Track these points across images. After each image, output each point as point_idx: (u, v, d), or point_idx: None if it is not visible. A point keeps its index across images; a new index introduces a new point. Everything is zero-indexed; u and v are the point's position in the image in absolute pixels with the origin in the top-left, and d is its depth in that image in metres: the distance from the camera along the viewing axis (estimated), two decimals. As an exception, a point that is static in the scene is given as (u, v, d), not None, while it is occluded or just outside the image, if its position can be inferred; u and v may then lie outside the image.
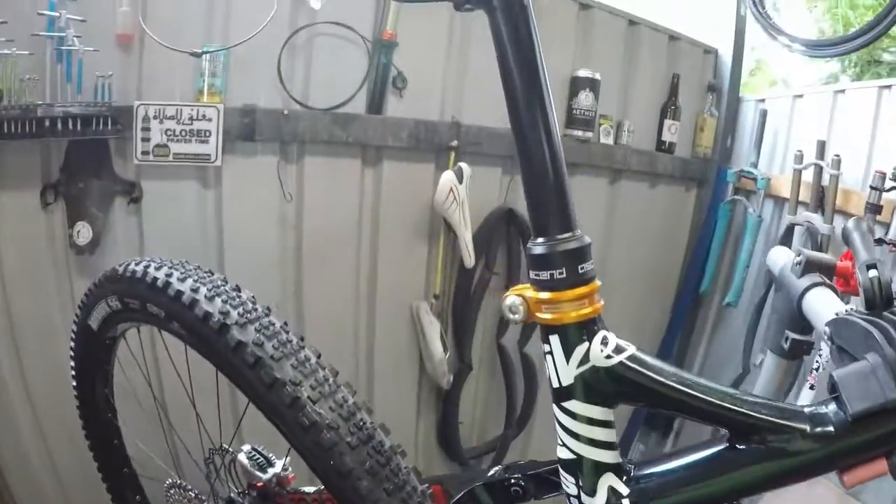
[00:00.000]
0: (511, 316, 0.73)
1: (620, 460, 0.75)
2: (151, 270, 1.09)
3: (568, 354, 0.72)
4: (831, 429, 0.66)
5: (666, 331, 3.41)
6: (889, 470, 0.66)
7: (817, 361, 2.29)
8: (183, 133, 1.97)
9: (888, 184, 2.43)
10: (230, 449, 1.24)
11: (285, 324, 1.04)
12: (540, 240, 0.70)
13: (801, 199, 2.81)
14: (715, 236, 3.24)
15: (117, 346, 1.33)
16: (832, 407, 0.69)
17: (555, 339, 0.72)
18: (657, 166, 3.08)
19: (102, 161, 1.93)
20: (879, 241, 2.49)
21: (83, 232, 1.89)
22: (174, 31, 1.91)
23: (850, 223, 1.13)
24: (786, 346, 1.32)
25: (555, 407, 0.75)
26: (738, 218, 3.21)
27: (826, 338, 0.86)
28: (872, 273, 0.82)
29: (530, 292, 0.72)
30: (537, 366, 2.90)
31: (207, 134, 1.99)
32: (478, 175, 2.45)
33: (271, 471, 1.21)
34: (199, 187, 2.10)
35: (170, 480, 1.35)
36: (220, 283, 1.08)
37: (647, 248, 3.16)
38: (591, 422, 0.73)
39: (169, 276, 1.06)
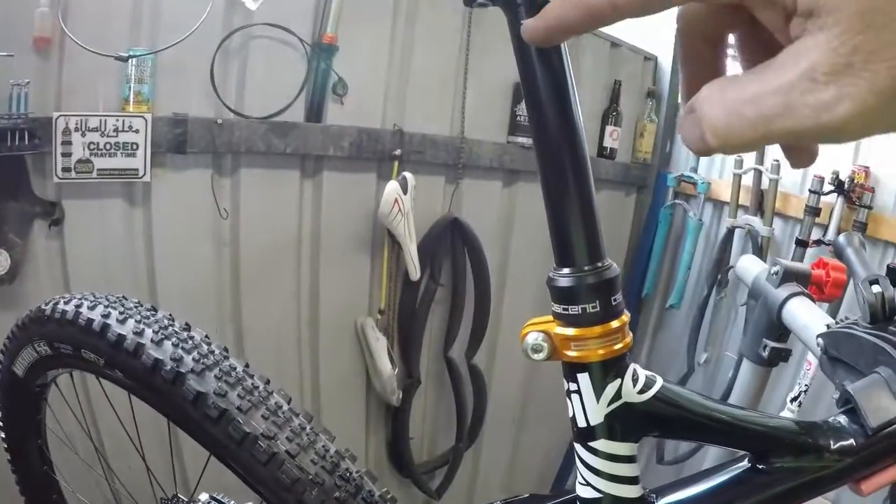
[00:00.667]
0: (533, 356, 0.65)
1: (643, 492, 0.70)
2: (85, 311, 0.95)
3: (598, 393, 0.65)
4: (852, 442, 0.67)
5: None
6: None
7: (803, 383, 2.33)
8: (107, 146, 1.81)
9: (826, 187, 2.53)
10: (185, 499, 1.12)
11: (247, 366, 0.94)
12: (566, 270, 0.62)
13: (740, 202, 2.94)
14: (656, 240, 3.30)
15: (48, 393, 1.20)
16: (847, 420, 0.70)
17: (584, 378, 0.65)
18: (599, 172, 3.06)
19: (19, 180, 1.74)
20: (818, 243, 2.58)
21: (0, 261, 1.72)
22: (97, 35, 1.75)
23: (843, 238, 1.16)
24: (764, 354, 1.34)
25: (578, 446, 0.68)
26: (679, 222, 3.28)
27: (819, 349, 0.88)
28: (876, 288, 0.86)
29: (557, 328, 0.64)
30: (485, 376, 2.88)
31: (135, 147, 1.84)
32: (421, 184, 2.38)
33: (234, 522, 1.10)
34: (127, 206, 1.94)
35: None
36: (167, 322, 0.96)
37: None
38: (618, 459, 0.67)
39: (106, 316, 0.93)
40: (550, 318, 0.66)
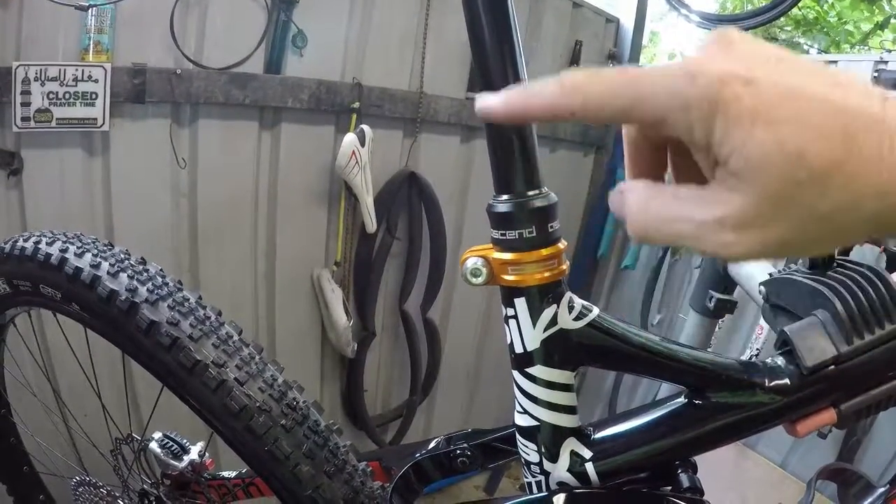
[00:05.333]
0: (472, 279, 0.68)
1: (580, 424, 0.73)
2: (43, 246, 0.97)
3: (535, 318, 0.68)
4: (787, 381, 0.68)
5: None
6: (837, 418, 0.69)
7: (755, 347, 2.39)
8: (67, 96, 1.80)
9: None
10: (138, 438, 1.15)
11: (200, 297, 0.96)
12: (505, 196, 0.65)
13: None
14: (612, 201, 3.28)
15: (6, 335, 1.21)
16: (783, 360, 0.70)
17: (520, 303, 0.68)
18: (557, 132, 3.09)
19: (-23, 131, 1.75)
20: None
21: (-42, 210, 1.72)
22: (57, -17, 1.73)
23: None
24: (710, 305, 1.39)
25: (515, 373, 0.71)
26: (636, 182, 3.26)
27: (762, 297, 0.90)
28: None
29: (495, 253, 0.67)
30: (440, 331, 2.91)
31: (94, 96, 1.84)
32: (379, 138, 2.39)
33: (186, 458, 1.14)
34: (86, 154, 1.94)
35: (77, 478, 1.25)
36: (122, 256, 0.98)
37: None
38: (554, 386, 0.70)
39: (64, 251, 0.95)
40: (490, 245, 0.69)
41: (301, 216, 2.42)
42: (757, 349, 2.43)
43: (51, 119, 1.79)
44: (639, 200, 0.45)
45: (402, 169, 2.59)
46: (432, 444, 0.89)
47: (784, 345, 0.71)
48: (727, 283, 1.34)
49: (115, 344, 0.92)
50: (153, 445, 1.14)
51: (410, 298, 2.78)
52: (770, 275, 0.93)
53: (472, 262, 0.68)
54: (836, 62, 2.69)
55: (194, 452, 1.15)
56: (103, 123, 1.87)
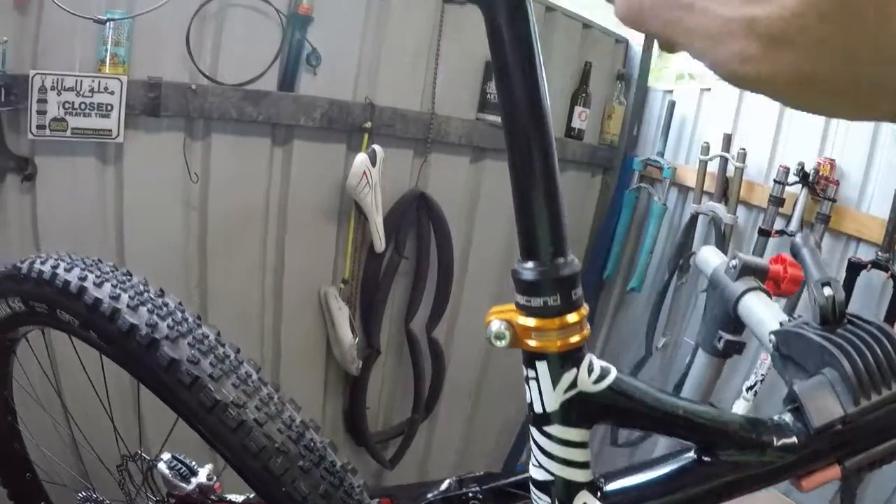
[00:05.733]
0: (496, 342, 0.69)
1: (593, 477, 0.74)
2: (61, 272, 0.97)
3: (555, 381, 0.69)
4: (794, 440, 0.69)
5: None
6: (841, 474, 0.70)
7: (759, 373, 2.38)
8: (82, 106, 1.81)
9: (791, 178, 2.53)
10: (147, 456, 1.15)
11: (219, 334, 0.96)
12: (531, 264, 0.66)
13: (705, 189, 2.93)
14: (620, 222, 3.30)
15: (17, 347, 1.22)
16: (791, 418, 0.71)
17: (542, 366, 0.69)
18: (566, 153, 3.10)
19: (-7, 135, 1.76)
20: (781, 233, 2.61)
21: (-29, 211, 1.73)
22: (76, -6, 1.75)
23: (799, 238, 1.18)
24: (719, 345, 1.36)
25: (533, 430, 0.72)
26: (643, 205, 3.29)
27: (771, 346, 0.89)
28: (828, 291, 0.85)
29: (519, 318, 0.68)
30: (444, 351, 2.92)
31: (109, 108, 1.85)
32: (390, 157, 2.40)
33: (195, 480, 1.14)
34: (99, 164, 1.95)
35: (83, 493, 1.26)
36: (142, 287, 0.98)
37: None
38: (570, 444, 0.71)
39: (83, 279, 0.95)
40: (513, 306, 0.69)
41: (310, 233, 2.43)
42: (762, 375, 2.42)
43: (66, 128, 1.80)
44: None
45: (412, 189, 2.60)
46: (444, 486, 0.90)
47: (792, 401, 0.72)
48: (736, 324, 1.33)
49: (131, 374, 0.93)
50: (161, 466, 1.15)
51: (416, 317, 2.78)
52: (781, 324, 0.94)
53: (497, 325, 0.69)
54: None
55: (202, 475, 1.15)
56: (118, 135, 1.88)
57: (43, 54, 1.77)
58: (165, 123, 2.01)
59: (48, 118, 1.77)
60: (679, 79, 3.15)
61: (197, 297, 2.24)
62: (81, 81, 1.80)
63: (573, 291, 0.67)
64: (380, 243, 2.43)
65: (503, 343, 0.69)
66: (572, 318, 0.67)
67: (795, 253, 1.14)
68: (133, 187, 2.01)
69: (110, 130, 1.87)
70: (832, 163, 2.48)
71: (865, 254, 2.40)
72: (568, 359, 0.69)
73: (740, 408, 2.42)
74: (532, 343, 0.68)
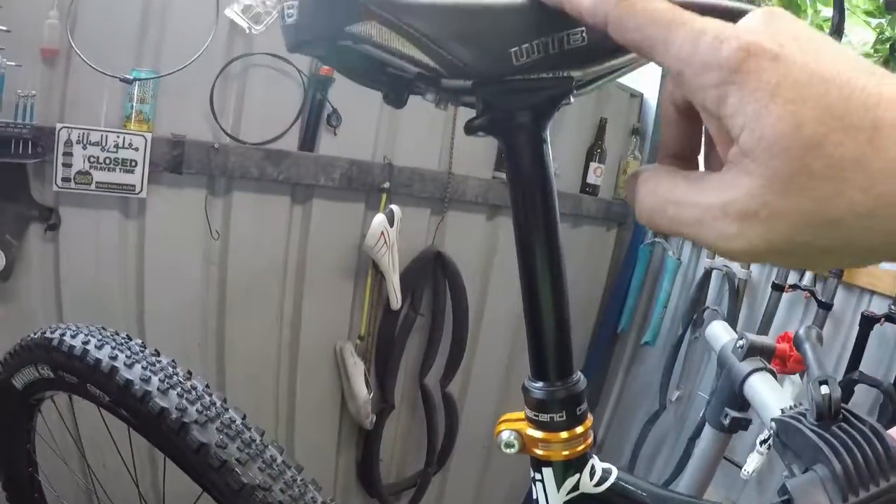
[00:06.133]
0: (505, 450, 0.73)
1: None
2: (92, 349, 1.01)
3: (559, 484, 0.73)
4: None
5: (583, 367, 3.44)
6: None
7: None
8: (107, 161, 1.86)
9: None
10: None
11: (245, 417, 0.99)
12: (540, 384, 0.70)
13: None
14: (634, 276, 3.32)
15: (42, 405, 1.25)
16: None
17: (547, 472, 0.74)
18: (581, 208, 3.12)
19: (19, 185, 1.79)
20: (794, 287, 2.61)
21: (-4, 259, 1.76)
22: (103, 51, 1.80)
23: (802, 332, 1.23)
24: (725, 422, 1.41)
25: None
26: (658, 259, 3.31)
27: (772, 431, 0.94)
28: (824, 389, 0.90)
29: (528, 429, 0.72)
30: (458, 404, 2.93)
31: (133, 164, 1.90)
32: (407, 216, 2.43)
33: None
34: (122, 218, 1.99)
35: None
36: (171, 370, 1.02)
37: (568, 286, 3.16)
38: None
39: (114, 358, 0.99)
40: (522, 416, 0.73)
41: (327, 289, 2.45)
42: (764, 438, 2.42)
43: (90, 182, 1.84)
44: (649, 182, 0.43)
45: (428, 247, 2.63)
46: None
47: (784, 493, 0.75)
48: (742, 402, 1.36)
49: (160, 450, 0.96)
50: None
51: (431, 372, 2.80)
52: (782, 411, 0.99)
53: (507, 435, 0.73)
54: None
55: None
56: (141, 190, 1.92)
57: (70, 108, 1.82)
58: (188, 180, 2.05)
59: (73, 171, 1.82)
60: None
61: (214, 348, 2.26)
62: (107, 136, 1.84)
63: (578, 407, 0.70)
64: (396, 301, 2.46)
65: (512, 451, 0.73)
66: (578, 430, 0.71)
67: (798, 345, 1.18)
68: (154, 241, 2.05)
69: (134, 185, 1.91)
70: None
71: (878, 307, 2.41)
72: (571, 465, 0.73)
73: (754, 461, 2.41)
74: (539, 452, 0.72)
